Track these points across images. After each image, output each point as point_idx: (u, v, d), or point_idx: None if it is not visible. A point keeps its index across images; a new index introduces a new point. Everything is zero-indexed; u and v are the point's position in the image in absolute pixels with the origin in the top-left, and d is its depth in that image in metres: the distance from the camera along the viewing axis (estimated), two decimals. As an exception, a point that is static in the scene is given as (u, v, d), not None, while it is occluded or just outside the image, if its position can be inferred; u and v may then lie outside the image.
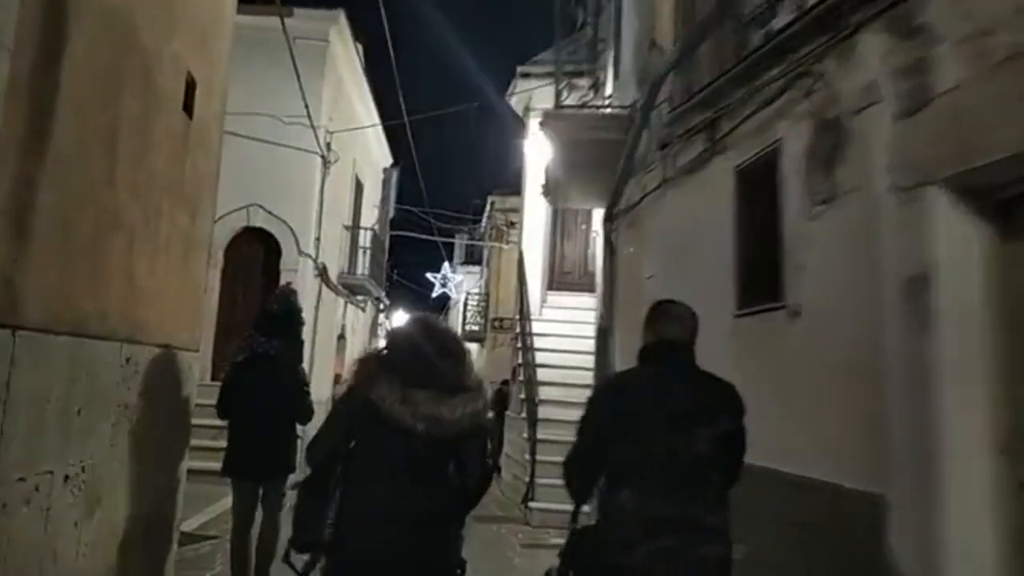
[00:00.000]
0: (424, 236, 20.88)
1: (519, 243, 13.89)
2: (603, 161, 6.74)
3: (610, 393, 2.60)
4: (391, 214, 20.87)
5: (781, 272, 3.71)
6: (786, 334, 3.67)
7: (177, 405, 4.78)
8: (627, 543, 2.29)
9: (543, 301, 12.87)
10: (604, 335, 7.70)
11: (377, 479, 2.32)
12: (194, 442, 8.77)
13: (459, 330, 20.17)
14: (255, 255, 11.76)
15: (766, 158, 3.90)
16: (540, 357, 10.60)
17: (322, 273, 12.51)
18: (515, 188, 16.74)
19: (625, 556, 2.28)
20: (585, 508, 2.65)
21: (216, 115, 5.45)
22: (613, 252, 7.33)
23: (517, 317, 12.41)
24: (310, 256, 11.92)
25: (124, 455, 3.97)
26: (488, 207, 21.68)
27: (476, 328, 20.89)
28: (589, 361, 10.74)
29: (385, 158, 19.50)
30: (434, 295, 25.22)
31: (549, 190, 8.30)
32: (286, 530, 2.67)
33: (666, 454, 2.34)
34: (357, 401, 2.37)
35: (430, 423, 2.28)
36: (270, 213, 11.67)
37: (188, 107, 4.80)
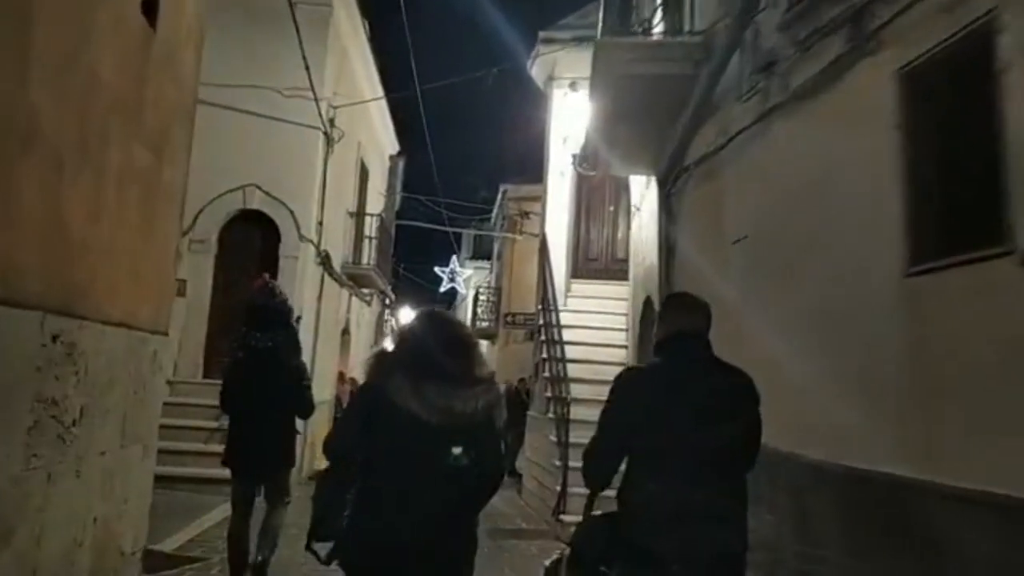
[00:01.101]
0: (432, 226, 19.79)
1: (541, 228, 12.77)
2: (662, 108, 5.59)
3: (630, 387, 2.58)
4: (397, 205, 19.86)
5: (1004, 204, 2.53)
6: (1020, 293, 2.49)
7: (136, 402, 3.68)
8: (656, 532, 2.32)
9: (567, 290, 11.83)
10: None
11: (394, 470, 2.34)
12: (184, 446, 7.77)
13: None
14: (252, 240, 10.83)
15: (967, 43, 2.73)
16: (567, 351, 9.51)
17: (325, 261, 11.44)
18: (529, 177, 15.75)
19: (653, 544, 2.32)
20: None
21: (191, 34, 4.31)
22: (672, 218, 6.14)
23: (539, 308, 11.31)
24: (312, 242, 10.94)
25: (50, 469, 2.88)
26: (500, 196, 20.59)
27: (487, 324, 19.91)
28: (619, 355, 9.80)
29: (392, 145, 18.48)
30: (442, 290, 24.19)
31: (587, 157, 7.12)
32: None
33: (688, 445, 2.37)
34: (373, 394, 2.41)
35: (443, 415, 2.31)
36: (268, 194, 10.68)
37: (149, 11, 3.66)
